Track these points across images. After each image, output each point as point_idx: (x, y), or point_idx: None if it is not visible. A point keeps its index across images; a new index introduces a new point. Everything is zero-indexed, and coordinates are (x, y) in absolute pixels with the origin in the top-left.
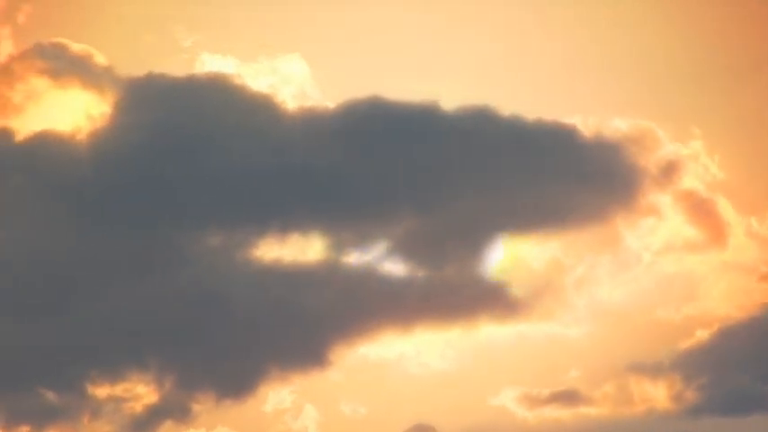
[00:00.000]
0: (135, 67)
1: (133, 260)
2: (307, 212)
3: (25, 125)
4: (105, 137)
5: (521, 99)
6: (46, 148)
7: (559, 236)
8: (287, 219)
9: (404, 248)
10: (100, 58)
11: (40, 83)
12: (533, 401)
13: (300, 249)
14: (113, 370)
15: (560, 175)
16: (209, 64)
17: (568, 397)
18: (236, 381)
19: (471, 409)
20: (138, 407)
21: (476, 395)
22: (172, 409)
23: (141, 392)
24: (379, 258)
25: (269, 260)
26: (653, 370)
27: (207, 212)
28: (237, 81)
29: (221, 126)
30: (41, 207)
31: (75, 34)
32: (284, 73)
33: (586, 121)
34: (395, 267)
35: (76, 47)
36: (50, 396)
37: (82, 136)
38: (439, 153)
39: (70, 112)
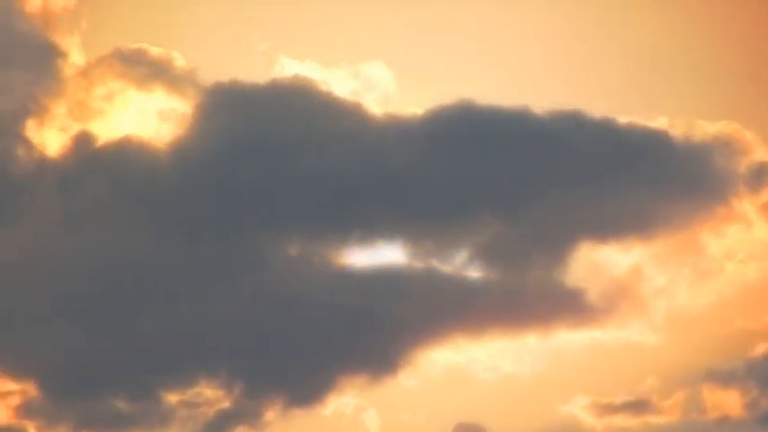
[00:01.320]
0: (213, 71)
1: (210, 266)
2: (390, 219)
3: (106, 130)
4: (186, 142)
5: (608, 102)
6: (126, 153)
7: (642, 242)
8: (370, 225)
9: (486, 255)
10: (181, 62)
11: (120, 87)
12: (603, 409)
13: (382, 255)
14: (185, 375)
15: (648, 181)
16: (288, 69)
17: (639, 405)
18: (307, 386)
19: (539, 416)
20: (210, 412)
21: (545, 402)
22: (244, 414)
23: (213, 398)
24: (461, 265)
25: (347, 266)
26: (727, 378)
27: (287, 219)
28: (320, 86)
29: (304, 132)
30: (120, 212)
31: (153, 38)
32: (367, 78)
33: (673, 124)
34: (474, 273)
35: (156, 51)
36: (122, 402)
37: (163, 141)
38: (527, 158)
39: (151, 117)
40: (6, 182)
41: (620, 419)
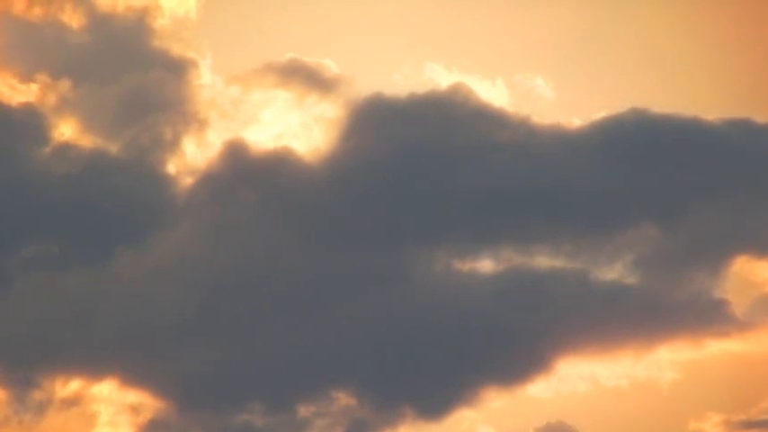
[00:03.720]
0: (367, 80)
1: (352, 277)
2: (548, 229)
3: (258, 141)
4: (339, 152)
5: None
6: (279, 162)
7: None
8: (525, 234)
9: (641, 265)
10: (334, 72)
11: (272, 98)
12: (736, 427)
13: (535, 265)
14: (320, 387)
15: None
16: (444, 79)
17: None
18: (439, 398)
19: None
20: (343, 423)
21: (677, 417)
22: (377, 426)
23: (346, 409)
24: (614, 274)
25: (496, 276)
26: None
27: (439, 229)
28: (478, 97)
29: (461, 143)
30: (270, 224)
31: (305, 48)
32: (525, 88)
33: None
34: (625, 283)
35: (309, 61)
36: (256, 415)
37: (315, 152)
38: (697, 167)
39: (303, 127)
40: (160, 194)
41: None
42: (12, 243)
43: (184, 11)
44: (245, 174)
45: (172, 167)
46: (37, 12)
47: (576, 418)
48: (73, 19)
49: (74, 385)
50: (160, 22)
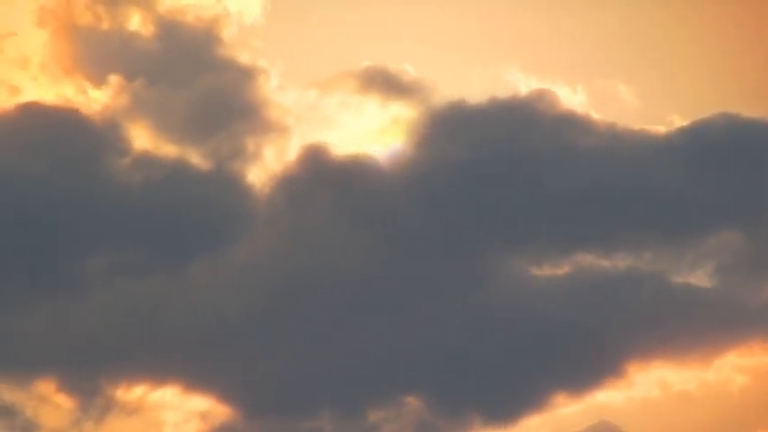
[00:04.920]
0: (445, 86)
1: (426, 283)
2: (630, 236)
3: (336, 146)
4: (417, 157)
5: None
6: (358, 168)
7: None
8: (607, 241)
9: (722, 270)
10: (414, 77)
11: (353, 102)
12: None
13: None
14: (390, 392)
15: None
16: (524, 84)
17: None
18: (506, 404)
19: None
20: (413, 428)
21: (747, 424)
22: (447, 431)
23: (417, 414)
24: (693, 279)
25: (570, 281)
26: None
27: (517, 235)
28: (557, 102)
29: (543, 148)
30: (348, 228)
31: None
32: (606, 93)
33: None
34: (698, 288)
35: (390, 66)
36: (326, 421)
37: (392, 157)
38: None
39: (384, 132)
40: (237, 202)
41: None
42: (89, 249)
43: (252, 19)
44: (324, 180)
45: (248, 174)
46: (102, 21)
47: (645, 425)
48: (141, 27)
49: (138, 391)
50: (229, 31)
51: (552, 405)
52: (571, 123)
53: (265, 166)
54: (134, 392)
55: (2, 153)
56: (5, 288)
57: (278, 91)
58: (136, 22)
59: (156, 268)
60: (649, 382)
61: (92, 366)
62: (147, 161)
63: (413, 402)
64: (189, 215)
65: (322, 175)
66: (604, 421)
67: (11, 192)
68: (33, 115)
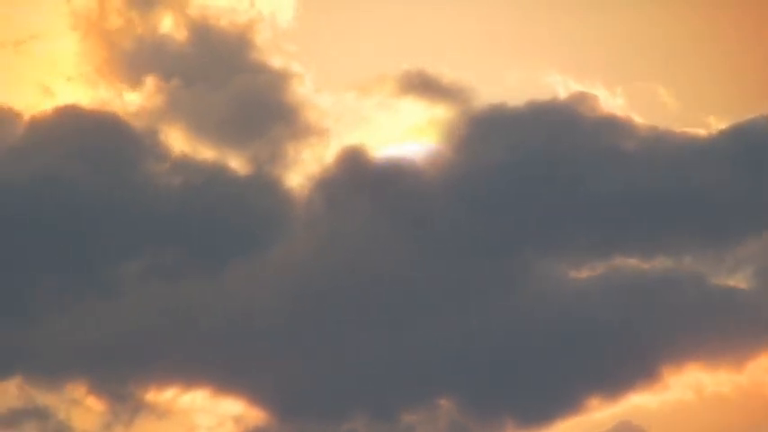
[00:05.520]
0: (486, 88)
1: (465, 285)
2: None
3: (373, 148)
4: (458, 159)
5: None
6: (397, 171)
7: None
8: (646, 244)
9: (756, 275)
10: (452, 79)
11: (391, 105)
12: None
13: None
14: (425, 395)
15: None
16: (558, 87)
17: None
18: (540, 408)
19: None
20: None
21: None
22: None
23: (451, 417)
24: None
25: (606, 284)
26: None
27: (557, 238)
28: (596, 105)
29: (583, 151)
30: (386, 231)
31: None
32: (645, 96)
33: None
34: (735, 291)
35: (433, 69)
36: (360, 422)
37: (432, 158)
38: None
39: (422, 134)
40: (277, 201)
41: None
42: (127, 252)
43: (285, 22)
44: (362, 182)
45: (286, 177)
46: (135, 24)
47: (679, 428)
48: (174, 31)
49: (169, 394)
50: (262, 34)
51: (586, 408)
52: (612, 126)
53: (303, 168)
54: (165, 395)
55: (39, 156)
56: (42, 291)
57: (314, 94)
58: (169, 25)
59: (192, 272)
60: (684, 385)
61: (124, 369)
62: (184, 165)
63: (446, 405)
64: (226, 218)
65: (360, 178)
66: (625, 422)
67: (48, 194)
68: (71, 118)
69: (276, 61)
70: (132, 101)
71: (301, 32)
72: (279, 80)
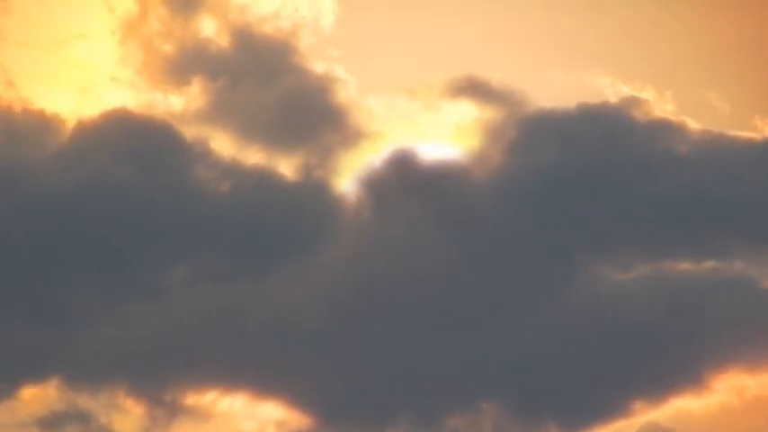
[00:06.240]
0: (534, 93)
1: (513, 289)
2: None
3: (422, 152)
4: (506, 164)
5: None
6: (446, 175)
7: None
8: (696, 248)
9: None
10: (503, 85)
11: (441, 109)
12: None
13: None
14: (470, 398)
15: None
16: (608, 91)
17: None
18: (585, 412)
19: None
20: None
21: None
22: None
23: (495, 420)
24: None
25: (655, 288)
26: None
27: (607, 242)
28: (648, 109)
29: (635, 155)
30: (434, 235)
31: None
32: (692, 99)
33: None
34: None
35: (482, 73)
36: (404, 427)
37: (483, 163)
38: None
39: (471, 137)
40: (325, 205)
41: None
42: (174, 255)
43: (328, 26)
44: (410, 186)
45: (334, 181)
46: (178, 29)
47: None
48: (216, 35)
49: (210, 397)
50: (304, 40)
51: (629, 412)
52: (664, 129)
53: (351, 171)
54: (206, 399)
55: (88, 160)
56: (86, 294)
57: (361, 97)
58: (211, 29)
59: (239, 275)
60: (728, 389)
61: (166, 372)
62: (232, 169)
63: (489, 408)
64: (274, 222)
65: (408, 181)
66: (652, 422)
67: (96, 198)
68: (118, 122)
69: (319, 66)
70: (177, 103)
71: (343, 37)
72: (324, 84)
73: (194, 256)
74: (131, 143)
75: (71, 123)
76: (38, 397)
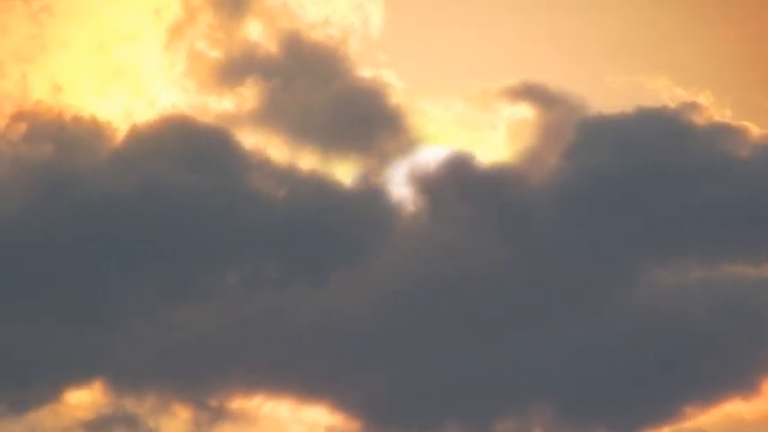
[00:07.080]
0: (590, 97)
1: (567, 293)
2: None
3: (480, 156)
4: (564, 169)
5: None
6: (504, 180)
7: None
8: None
9: None
10: (560, 90)
11: (501, 112)
12: None
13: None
14: (519, 402)
15: None
16: (664, 95)
17: None
18: (635, 415)
19: None
20: None
21: None
22: None
23: (543, 425)
24: None
25: (714, 292)
26: None
27: (665, 247)
28: (707, 113)
29: (695, 159)
30: (491, 239)
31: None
32: (748, 103)
33: None
34: None
35: (534, 79)
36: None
37: (541, 168)
38: None
39: (528, 142)
40: (380, 210)
41: None
42: (229, 260)
43: (376, 31)
44: (467, 191)
45: (389, 186)
46: (226, 33)
47: None
48: (265, 40)
49: (258, 401)
50: (353, 46)
51: (681, 417)
52: (723, 134)
53: (406, 178)
54: (254, 403)
55: (143, 166)
56: (139, 299)
57: (414, 101)
58: (259, 33)
59: (293, 280)
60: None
61: (213, 376)
62: (287, 174)
63: (540, 413)
64: (329, 227)
65: (465, 186)
66: (700, 428)
67: (151, 203)
68: (173, 126)
69: (368, 71)
70: (229, 106)
71: (391, 42)
72: (374, 88)
73: (248, 261)
74: (187, 148)
75: (124, 129)
76: (83, 401)
